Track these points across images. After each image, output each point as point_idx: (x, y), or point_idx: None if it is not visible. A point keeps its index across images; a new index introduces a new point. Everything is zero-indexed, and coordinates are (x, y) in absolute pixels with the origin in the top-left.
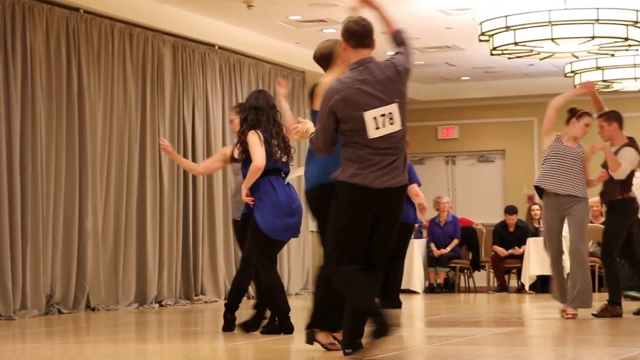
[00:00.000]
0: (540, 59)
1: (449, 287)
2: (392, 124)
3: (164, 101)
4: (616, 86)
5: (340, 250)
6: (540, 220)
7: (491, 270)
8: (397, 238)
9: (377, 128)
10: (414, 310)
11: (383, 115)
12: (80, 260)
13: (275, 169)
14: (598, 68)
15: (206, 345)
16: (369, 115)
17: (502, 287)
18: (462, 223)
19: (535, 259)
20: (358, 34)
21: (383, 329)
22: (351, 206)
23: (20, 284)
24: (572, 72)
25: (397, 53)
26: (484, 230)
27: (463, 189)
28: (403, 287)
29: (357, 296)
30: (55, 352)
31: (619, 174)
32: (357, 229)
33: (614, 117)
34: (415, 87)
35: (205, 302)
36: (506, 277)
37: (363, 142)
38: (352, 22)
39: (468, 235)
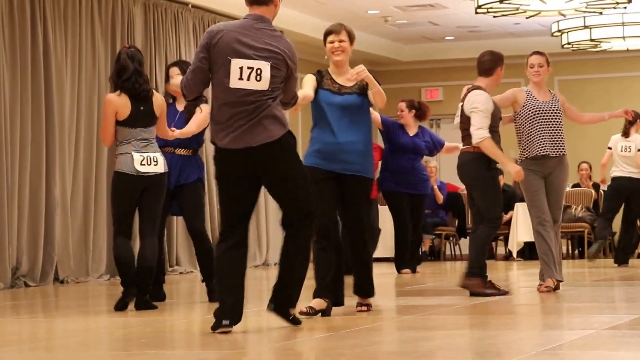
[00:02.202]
0: (527, 18)
1: (434, 255)
2: (258, 80)
3: None
4: (604, 45)
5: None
6: None
7: None
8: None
9: (240, 79)
10: (399, 279)
11: (250, 68)
12: (47, 230)
13: None
14: (586, 27)
15: (181, 317)
16: (235, 64)
17: (489, 255)
18: (448, 189)
19: (523, 225)
20: None
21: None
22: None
23: None
24: (559, 31)
25: None
26: None
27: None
28: (387, 256)
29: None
30: (22, 327)
31: None
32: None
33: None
34: (397, 47)
35: (181, 272)
36: (493, 244)
37: (223, 95)
38: None
39: (454, 201)
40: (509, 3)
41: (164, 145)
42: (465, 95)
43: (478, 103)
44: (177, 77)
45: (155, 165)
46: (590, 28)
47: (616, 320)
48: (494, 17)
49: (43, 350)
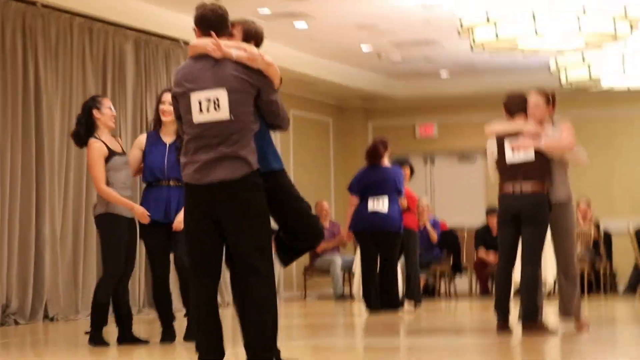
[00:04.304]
0: (523, 56)
1: (428, 292)
2: (217, 110)
3: (125, 100)
4: (604, 85)
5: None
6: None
7: (474, 274)
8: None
9: (201, 112)
10: (393, 317)
11: (208, 99)
12: (37, 268)
13: None
14: (584, 61)
15: (172, 357)
16: (194, 97)
17: (485, 293)
18: (441, 227)
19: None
20: (206, 20)
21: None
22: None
23: None
24: (558, 69)
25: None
26: (466, 233)
27: (443, 190)
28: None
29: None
30: None
31: None
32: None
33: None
34: (391, 84)
35: None
36: (489, 282)
37: (189, 130)
38: (205, 8)
39: (448, 238)
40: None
41: (157, 179)
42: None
43: None
44: (167, 106)
45: None
46: (589, 65)
47: None
48: (490, 56)
49: None
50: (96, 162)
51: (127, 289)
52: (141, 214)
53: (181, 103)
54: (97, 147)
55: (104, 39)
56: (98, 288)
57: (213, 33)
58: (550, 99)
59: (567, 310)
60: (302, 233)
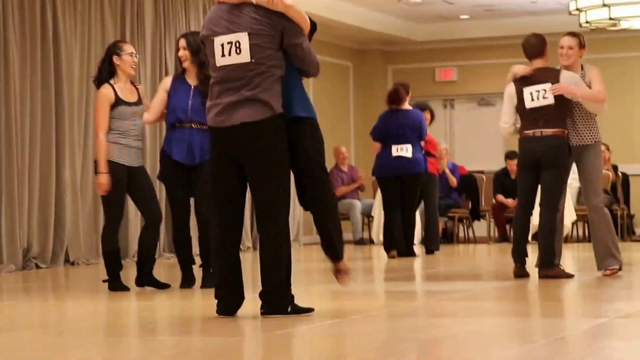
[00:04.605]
0: None
1: (447, 237)
2: (238, 54)
3: (144, 45)
4: (624, 24)
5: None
6: None
7: (492, 219)
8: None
9: (223, 56)
10: (411, 262)
11: (230, 43)
12: (58, 213)
13: None
14: (604, 5)
15: (191, 303)
16: (217, 41)
17: (503, 238)
18: (460, 171)
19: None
20: None
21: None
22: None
23: None
24: (577, 9)
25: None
26: (484, 178)
27: (462, 134)
28: None
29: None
30: (34, 310)
31: None
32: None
33: None
34: (411, 27)
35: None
36: (507, 226)
37: (214, 74)
38: None
39: (467, 183)
40: None
41: (179, 121)
42: (521, 76)
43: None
44: (182, 51)
45: None
46: (609, 6)
47: (629, 308)
48: None
49: (54, 335)
50: (100, 108)
51: (155, 236)
52: (102, 184)
53: (207, 47)
54: (103, 93)
55: None
56: (102, 237)
57: None
58: (582, 42)
59: (600, 259)
60: (309, 197)
